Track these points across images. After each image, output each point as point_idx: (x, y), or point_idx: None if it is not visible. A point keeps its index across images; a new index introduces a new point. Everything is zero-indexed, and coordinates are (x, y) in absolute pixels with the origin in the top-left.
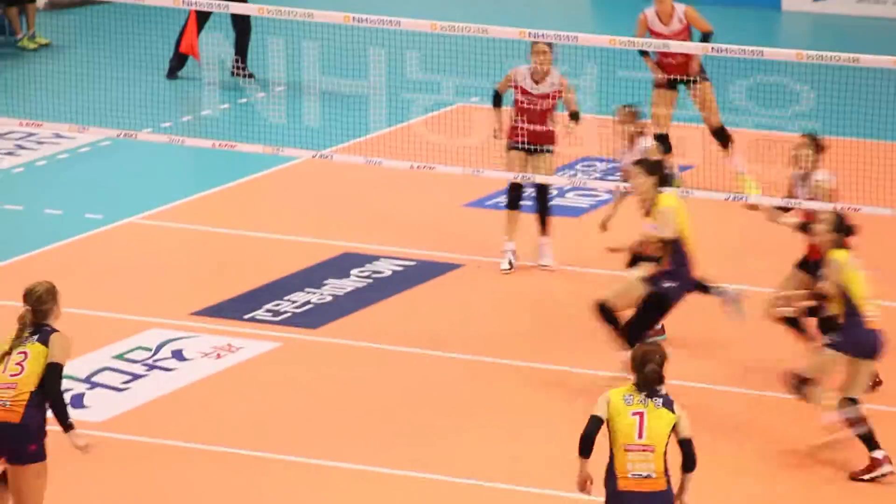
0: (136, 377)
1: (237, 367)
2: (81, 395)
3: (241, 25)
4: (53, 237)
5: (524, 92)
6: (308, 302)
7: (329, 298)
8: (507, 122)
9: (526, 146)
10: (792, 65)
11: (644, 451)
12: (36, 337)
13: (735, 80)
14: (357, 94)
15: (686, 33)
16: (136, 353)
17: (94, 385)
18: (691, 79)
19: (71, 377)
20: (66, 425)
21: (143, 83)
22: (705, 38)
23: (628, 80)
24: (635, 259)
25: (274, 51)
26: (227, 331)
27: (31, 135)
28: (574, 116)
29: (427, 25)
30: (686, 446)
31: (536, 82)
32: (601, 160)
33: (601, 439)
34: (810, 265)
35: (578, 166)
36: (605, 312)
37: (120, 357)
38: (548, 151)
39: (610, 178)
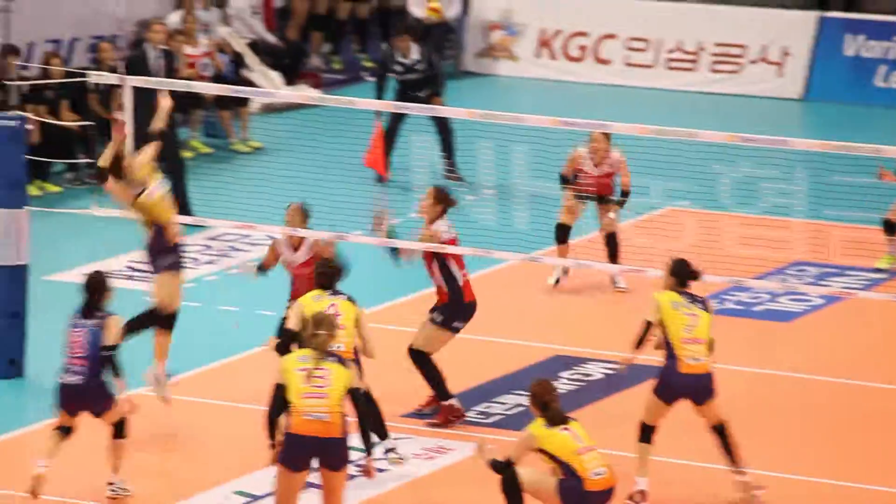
0: (350, 478)
1: (449, 468)
2: None
3: (443, 128)
4: (266, 337)
5: (585, 174)
6: (518, 404)
7: None
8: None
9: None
10: None
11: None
12: (333, 359)
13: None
14: None
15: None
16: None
17: (308, 485)
18: None
19: None
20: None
21: (354, 185)
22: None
23: (842, 184)
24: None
25: (483, 154)
26: (438, 432)
27: (245, 236)
28: (624, 195)
29: (636, 129)
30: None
31: (596, 165)
32: (813, 265)
33: None
34: None
35: (790, 270)
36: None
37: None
38: (612, 202)
39: (822, 283)
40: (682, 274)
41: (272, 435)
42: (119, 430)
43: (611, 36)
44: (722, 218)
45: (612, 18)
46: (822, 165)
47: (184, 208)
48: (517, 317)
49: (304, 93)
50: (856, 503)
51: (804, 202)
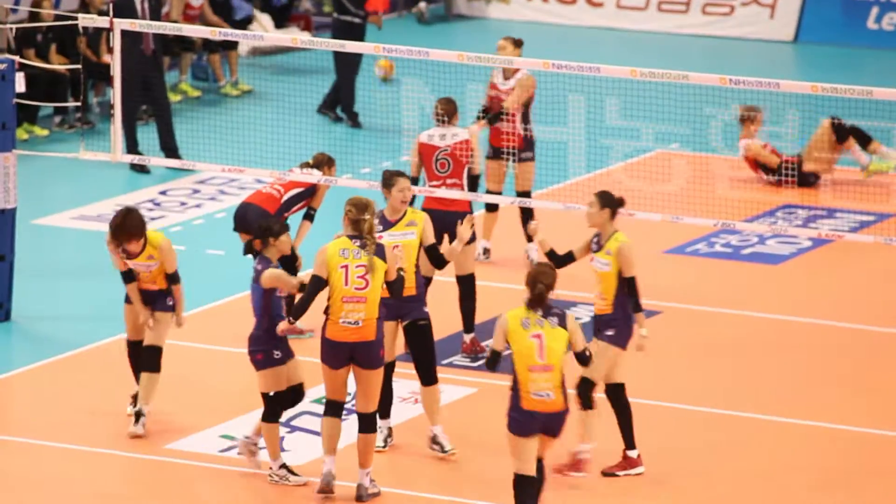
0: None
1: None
2: (281, 439)
3: (342, 71)
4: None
5: (494, 87)
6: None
7: None
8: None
9: (503, 153)
10: None
11: (545, 370)
12: (365, 250)
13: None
14: (556, 140)
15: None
16: None
17: (294, 429)
18: None
19: None
20: None
21: (344, 129)
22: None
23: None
24: None
25: (473, 98)
26: None
27: (233, 180)
28: (493, 118)
29: (627, 72)
30: (581, 358)
31: (506, 78)
32: (802, 207)
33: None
34: None
35: (779, 213)
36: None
37: (319, 401)
38: (527, 159)
39: (810, 225)
40: (616, 204)
41: (295, 316)
42: (267, 410)
43: None
44: (713, 161)
45: None
46: (814, 108)
47: (172, 152)
48: (503, 260)
49: (294, 36)
50: (845, 444)
51: (795, 144)
